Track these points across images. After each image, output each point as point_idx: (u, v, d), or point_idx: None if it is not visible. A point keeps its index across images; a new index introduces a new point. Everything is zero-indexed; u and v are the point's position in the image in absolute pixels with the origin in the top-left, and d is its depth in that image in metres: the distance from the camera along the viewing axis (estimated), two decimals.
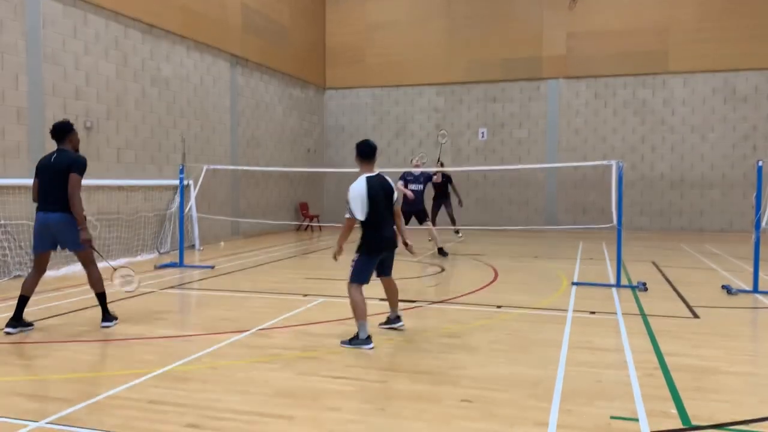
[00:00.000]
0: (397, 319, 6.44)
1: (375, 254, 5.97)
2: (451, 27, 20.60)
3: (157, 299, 8.21)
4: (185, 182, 12.36)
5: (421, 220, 12.96)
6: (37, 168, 6.42)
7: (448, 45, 20.62)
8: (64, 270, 10.29)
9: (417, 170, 13.00)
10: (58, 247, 6.46)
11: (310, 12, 20.93)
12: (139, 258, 12.27)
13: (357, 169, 6.11)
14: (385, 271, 6.18)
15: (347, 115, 21.90)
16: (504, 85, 20.33)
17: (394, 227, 6.18)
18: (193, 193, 13.18)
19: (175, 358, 5.39)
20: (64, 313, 7.16)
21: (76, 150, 6.53)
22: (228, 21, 16.27)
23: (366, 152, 6.03)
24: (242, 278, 10.13)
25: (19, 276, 9.91)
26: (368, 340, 5.78)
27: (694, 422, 3.98)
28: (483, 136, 20.51)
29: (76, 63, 11.51)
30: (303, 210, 19.79)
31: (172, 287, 9.21)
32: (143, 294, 8.34)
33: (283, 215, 19.09)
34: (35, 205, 6.45)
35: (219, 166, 14.29)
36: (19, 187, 10.16)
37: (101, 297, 6.58)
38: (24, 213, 10.22)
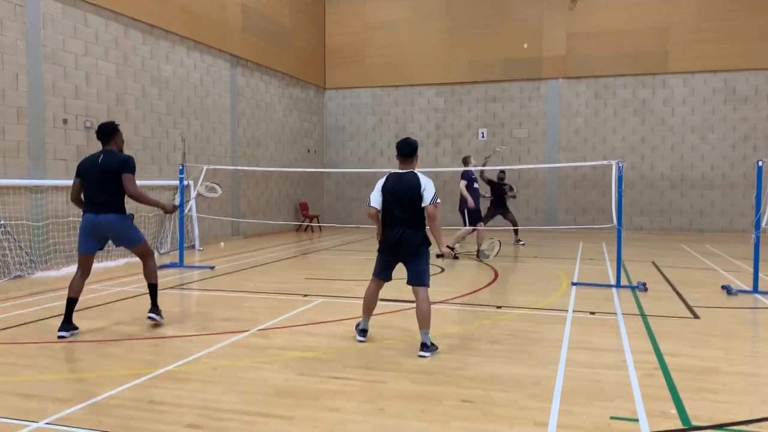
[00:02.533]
0: (422, 346, 5.49)
1: (381, 253, 5.86)
2: (451, 27, 20.60)
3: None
4: (185, 182, 12.35)
5: (475, 221, 12.51)
6: (80, 169, 6.33)
7: (448, 45, 20.61)
8: (65, 270, 10.31)
9: (475, 169, 12.62)
10: (109, 244, 6.65)
11: (310, 12, 20.93)
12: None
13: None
14: (408, 277, 5.72)
15: (347, 115, 21.89)
16: (504, 85, 20.34)
17: (416, 230, 5.60)
18: (193, 193, 13.17)
19: (175, 358, 5.39)
20: (62, 314, 7.14)
21: (121, 150, 6.50)
22: (228, 21, 16.27)
23: (398, 150, 6.01)
24: (242, 278, 10.12)
25: (18, 276, 9.92)
26: (360, 332, 5.97)
27: (694, 422, 3.97)
28: (483, 137, 20.50)
29: (76, 63, 11.51)
30: (303, 210, 19.78)
31: (172, 287, 9.21)
32: (143, 294, 8.32)
33: (283, 215, 19.10)
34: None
35: (219, 166, 14.28)
36: (19, 187, 10.16)
37: (153, 288, 6.72)
38: (24, 213, 10.22)
